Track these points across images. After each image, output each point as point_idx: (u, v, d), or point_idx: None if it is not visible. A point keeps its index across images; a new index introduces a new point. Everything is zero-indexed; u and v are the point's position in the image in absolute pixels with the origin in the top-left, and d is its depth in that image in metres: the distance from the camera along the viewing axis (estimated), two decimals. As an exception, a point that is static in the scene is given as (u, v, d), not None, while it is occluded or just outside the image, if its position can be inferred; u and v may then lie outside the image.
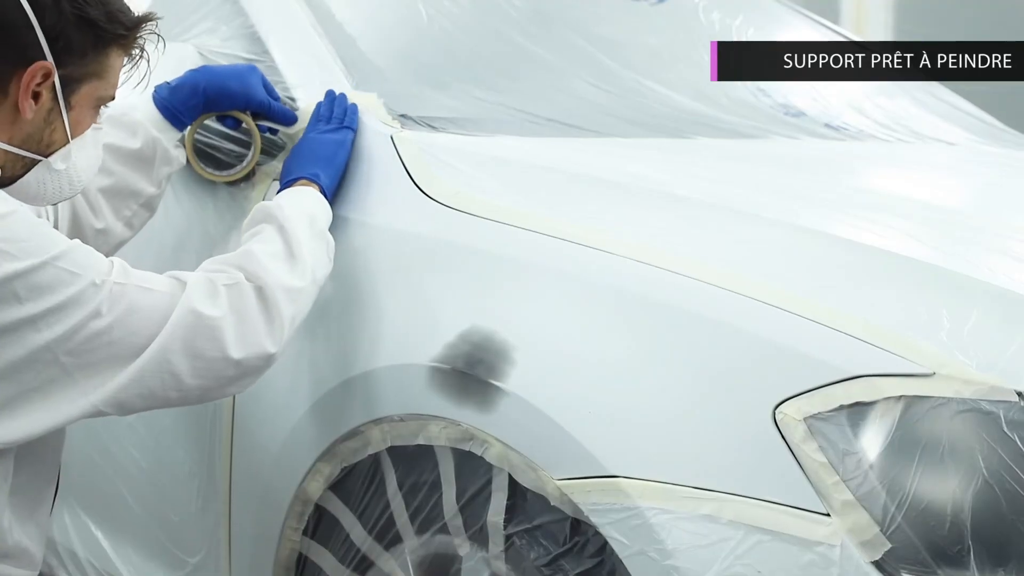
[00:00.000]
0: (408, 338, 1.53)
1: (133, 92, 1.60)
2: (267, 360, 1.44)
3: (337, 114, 1.76)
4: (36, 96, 1.40)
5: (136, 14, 1.48)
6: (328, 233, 1.61)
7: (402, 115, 1.80)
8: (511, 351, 1.42)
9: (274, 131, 1.82)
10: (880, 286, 1.36)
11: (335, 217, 1.69)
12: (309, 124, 1.76)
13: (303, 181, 1.67)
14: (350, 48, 1.96)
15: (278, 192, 1.67)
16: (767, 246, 1.46)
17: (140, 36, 1.48)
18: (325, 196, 1.66)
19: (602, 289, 1.42)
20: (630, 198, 1.61)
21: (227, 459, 1.79)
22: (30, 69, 1.38)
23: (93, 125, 1.49)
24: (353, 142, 1.74)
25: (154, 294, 1.38)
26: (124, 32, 1.45)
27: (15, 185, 1.44)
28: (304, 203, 1.61)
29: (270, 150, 1.83)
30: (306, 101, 1.83)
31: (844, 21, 5.67)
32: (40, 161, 1.44)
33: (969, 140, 2.52)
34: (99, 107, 1.49)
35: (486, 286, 1.51)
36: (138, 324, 1.36)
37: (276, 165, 1.80)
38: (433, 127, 1.80)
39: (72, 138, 1.45)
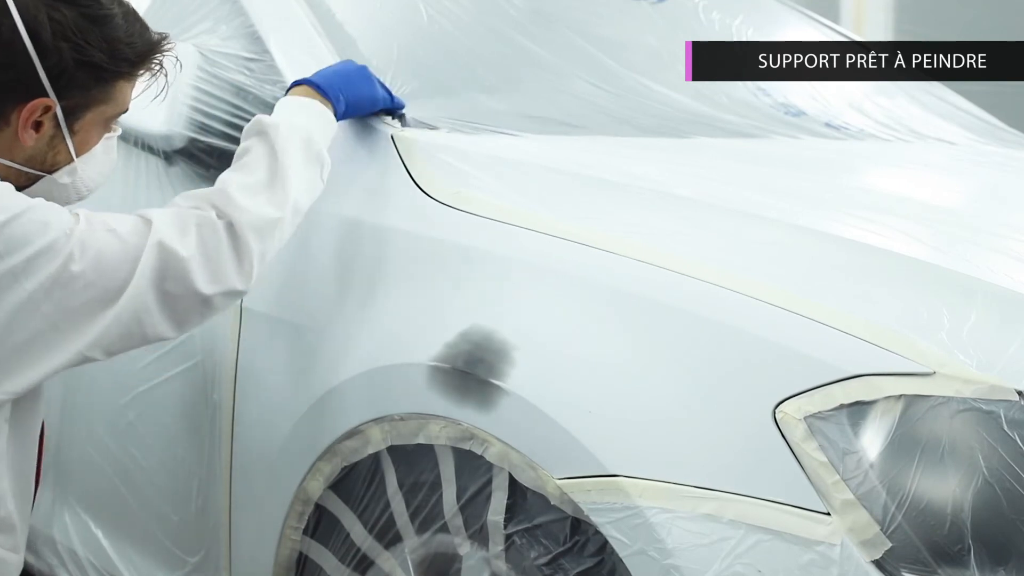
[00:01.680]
0: (408, 338, 1.53)
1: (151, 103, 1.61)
2: (236, 296, 1.48)
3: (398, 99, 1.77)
4: (38, 125, 1.43)
5: (151, 37, 1.49)
6: (325, 153, 1.60)
7: (402, 115, 1.80)
8: (511, 350, 1.42)
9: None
10: (880, 286, 1.36)
11: (334, 216, 1.69)
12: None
13: (313, 92, 1.64)
14: (350, 48, 1.96)
15: (288, 88, 1.67)
16: (767, 246, 1.46)
17: (152, 62, 1.49)
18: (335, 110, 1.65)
19: (602, 289, 1.42)
20: (630, 198, 1.61)
21: (227, 459, 1.79)
22: (30, 104, 1.40)
23: (105, 136, 1.51)
24: (392, 108, 1.75)
25: (121, 236, 1.40)
26: (128, 69, 1.46)
27: (26, 190, 1.46)
28: (304, 120, 1.60)
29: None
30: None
31: (844, 21, 5.67)
32: (44, 176, 1.47)
33: (969, 140, 2.52)
34: (109, 124, 1.51)
35: (486, 286, 1.51)
36: (110, 267, 1.38)
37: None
38: (433, 127, 1.80)
39: (77, 157, 1.48)
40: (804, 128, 2.25)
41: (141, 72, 1.49)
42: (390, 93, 1.77)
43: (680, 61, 2.33)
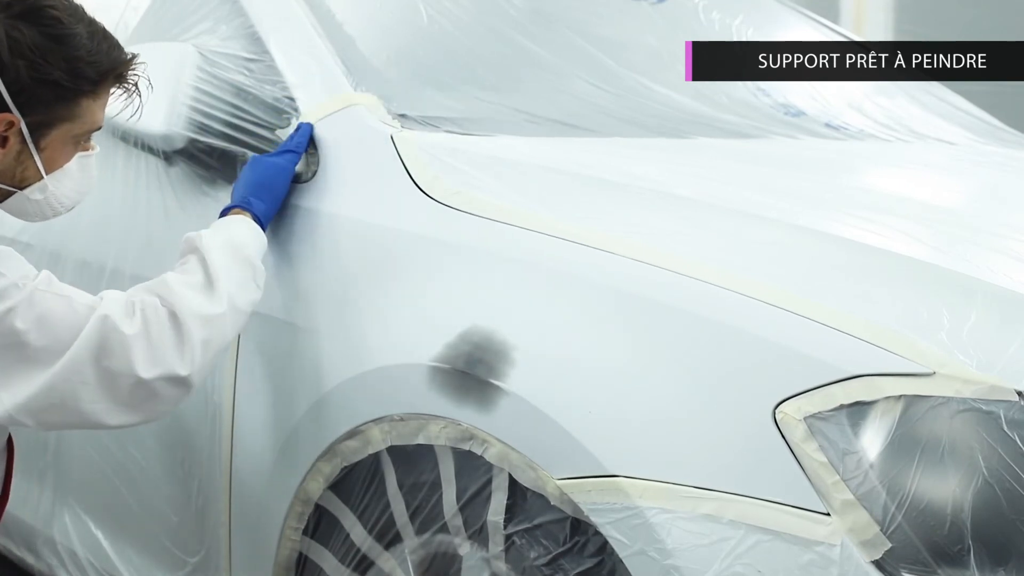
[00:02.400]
0: (408, 338, 1.53)
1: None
2: (178, 383, 1.46)
3: (289, 141, 1.77)
4: (3, 140, 1.43)
5: (117, 55, 1.48)
6: (257, 260, 1.61)
7: (402, 115, 1.80)
8: (511, 351, 1.42)
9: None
10: (880, 286, 1.36)
11: (334, 217, 1.69)
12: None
13: (236, 210, 1.68)
14: (350, 48, 1.96)
15: (218, 217, 1.69)
16: (767, 246, 1.46)
17: (117, 79, 1.49)
18: (260, 222, 1.67)
19: (602, 289, 1.42)
20: (630, 198, 1.61)
21: (227, 459, 1.79)
22: None
23: (79, 153, 1.52)
24: (297, 162, 1.75)
25: (73, 304, 1.41)
26: (90, 87, 1.46)
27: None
28: (230, 232, 1.62)
29: (269, 150, 1.82)
30: (306, 102, 1.83)
31: (844, 21, 5.67)
32: (16, 192, 1.48)
33: (969, 140, 2.52)
34: (79, 142, 1.51)
35: (486, 286, 1.51)
36: (53, 331, 1.38)
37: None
38: (433, 127, 1.80)
39: (46, 174, 1.48)
40: (804, 128, 2.25)
41: (109, 90, 1.49)
42: (291, 144, 1.77)
43: (680, 61, 2.33)
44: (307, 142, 1.77)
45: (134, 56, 1.51)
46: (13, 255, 1.40)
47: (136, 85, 1.53)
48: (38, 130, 1.45)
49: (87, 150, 1.54)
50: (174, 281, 1.50)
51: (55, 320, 1.39)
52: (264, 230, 1.68)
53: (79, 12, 1.47)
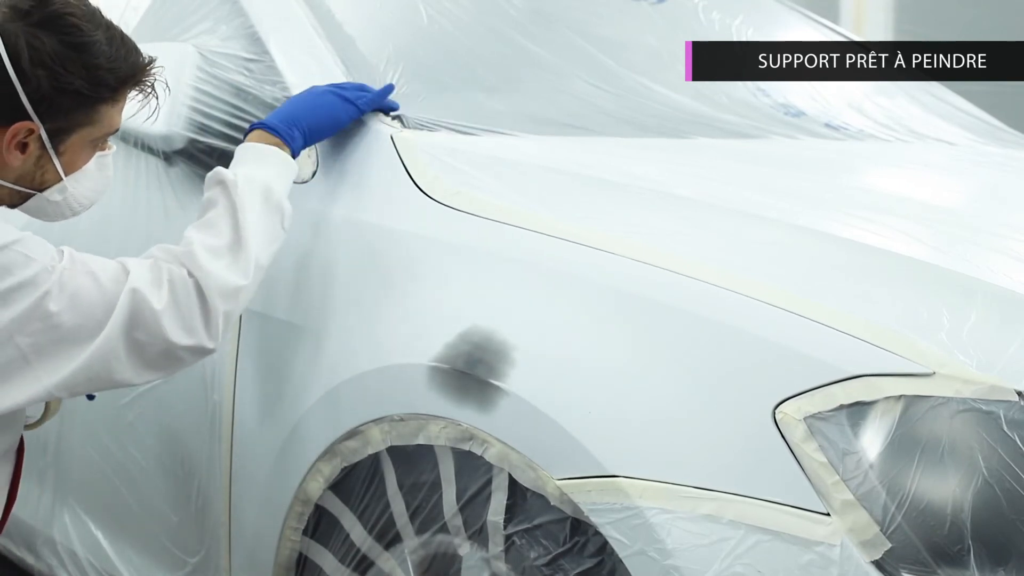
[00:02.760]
0: (408, 338, 1.53)
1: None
2: (202, 353, 1.50)
3: (361, 96, 1.76)
4: (23, 147, 1.44)
5: (136, 60, 1.49)
6: (286, 201, 1.61)
7: (401, 115, 1.80)
8: (511, 351, 1.42)
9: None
10: (880, 286, 1.36)
11: (334, 217, 1.69)
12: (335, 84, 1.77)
13: (268, 135, 1.65)
14: (350, 48, 1.96)
15: (246, 133, 1.68)
16: (767, 246, 1.46)
17: (137, 85, 1.50)
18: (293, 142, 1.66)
19: (602, 289, 1.42)
20: (630, 198, 1.61)
21: (227, 460, 1.79)
22: (13, 127, 1.42)
23: (98, 154, 1.52)
24: (357, 117, 1.75)
25: (100, 280, 1.42)
26: (110, 94, 1.47)
27: (19, 206, 1.50)
28: (262, 172, 1.61)
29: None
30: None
31: (844, 21, 5.67)
32: (35, 194, 1.49)
33: (969, 140, 2.52)
34: (97, 144, 1.52)
35: (486, 286, 1.51)
36: (86, 309, 1.40)
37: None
38: (433, 127, 1.80)
39: (65, 176, 1.49)
40: (804, 128, 2.25)
41: (127, 94, 1.50)
42: (362, 100, 1.76)
43: (680, 61, 2.33)
44: (380, 103, 1.77)
45: (152, 60, 1.52)
46: (34, 238, 1.41)
47: (153, 87, 1.54)
48: (57, 136, 1.46)
49: (104, 150, 1.54)
50: (200, 250, 1.50)
51: (86, 299, 1.40)
52: (303, 148, 1.68)
53: (97, 17, 1.48)
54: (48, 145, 1.45)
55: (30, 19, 1.41)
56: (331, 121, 1.73)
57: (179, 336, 1.45)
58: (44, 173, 1.48)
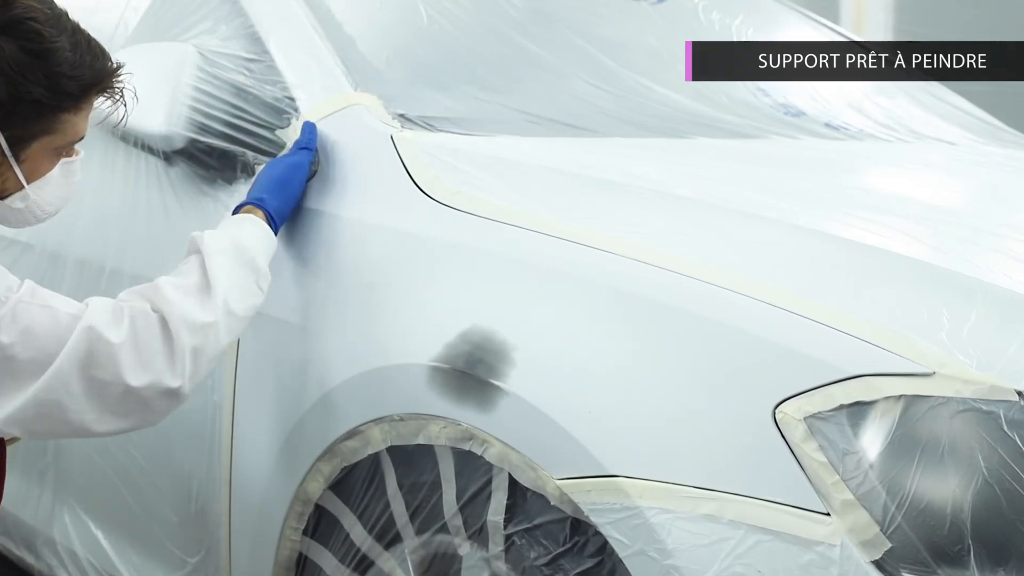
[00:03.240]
0: (408, 338, 1.53)
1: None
2: (169, 393, 1.44)
3: (300, 139, 1.75)
4: None
5: (102, 66, 1.45)
6: (262, 262, 1.59)
7: (401, 115, 1.80)
8: (511, 351, 1.42)
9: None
10: (880, 286, 1.36)
11: (334, 217, 1.69)
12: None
13: (248, 208, 1.66)
14: (350, 48, 1.96)
15: (231, 214, 1.67)
16: (767, 246, 1.46)
17: (102, 92, 1.46)
18: (273, 221, 1.65)
19: (602, 289, 1.42)
20: (630, 198, 1.61)
21: (227, 459, 1.79)
22: None
23: (63, 160, 1.48)
24: (312, 161, 1.74)
25: (57, 314, 1.39)
26: (72, 103, 1.43)
27: None
28: (236, 232, 1.60)
29: (269, 150, 1.83)
30: (306, 102, 1.83)
31: (844, 21, 5.67)
32: None
33: (969, 140, 2.52)
34: (62, 152, 1.48)
35: (486, 286, 1.51)
36: (38, 342, 1.37)
37: (276, 165, 1.80)
38: (433, 127, 1.80)
39: (28, 183, 1.45)
40: (804, 128, 2.25)
41: (92, 102, 1.46)
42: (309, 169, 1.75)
43: (680, 61, 2.33)
44: (316, 139, 1.76)
45: (119, 66, 1.47)
46: None
47: (122, 93, 1.49)
48: (18, 144, 1.41)
49: (71, 156, 1.50)
50: (166, 285, 1.48)
51: (39, 332, 1.37)
52: (278, 229, 1.67)
53: (62, 22, 1.42)
54: (8, 153, 1.41)
55: None
56: (290, 169, 1.72)
57: (137, 373, 1.40)
58: (5, 181, 1.44)
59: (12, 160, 1.42)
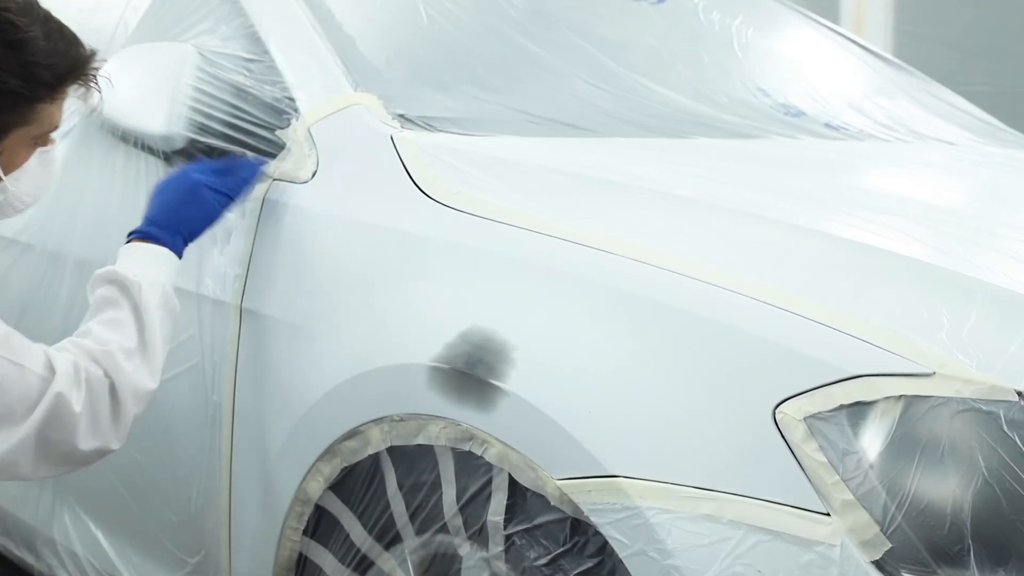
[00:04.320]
0: (408, 338, 1.53)
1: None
2: (103, 453, 1.50)
3: (231, 182, 1.72)
4: None
5: (77, 54, 1.43)
6: (175, 301, 1.61)
7: (401, 115, 1.80)
8: (511, 351, 1.42)
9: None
10: (880, 286, 1.36)
11: (334, 217, 1.69)
12: (201, 164, 1.74)
13: (145, 241, 1.63)
14: (350, 48, 1.96)
15: (130, 238, 1.65)
16: (767, 246, 1.46)
17: (78, 80, 1.45)
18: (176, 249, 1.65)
19: (602, 289, 1.42)
20: (630, 198, 1.61)
21: (227, 459, 1.79)
22: None
23: (39, 150, 1.48)
24: (216, 214, 1.72)
25: (27, 374, 1.39)
26: (47, 92, 1.41)
27: None
28: (156, 273, 1.59)
29: (269, 150, 1.83)
30: (305, 102, 1.83)
31: (844, 21, 5.67)
32: None
33: (969, 140, 2.52)
34: (38, 143, 1.47)
35: (486, 286, 1.51)
36: (6, 400, 1.38)
37: (277, 164, 1.80)
38: (433, 127, 1.80)
39: (5, 175, 1.44)
40: (804, 128, 2.25)
41: (67, 90, 1.45)
42: (234, 188, 1.74)
43: (680, 61, 2.34)
44: (247, 189, 1.73)
45: (93, 53, 1.46)
46: None
47: (96, 81, 1.48)
48: None
49: (46, 145, 1.49)
50: (117, 350, 1.48)
51: (8, 390, 1.38)
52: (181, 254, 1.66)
53: (34, 10, 1.41)
54: None
55: None
56: (207, 219, 1.71)
57: (87, 439, 1.44)
58: None
59: None
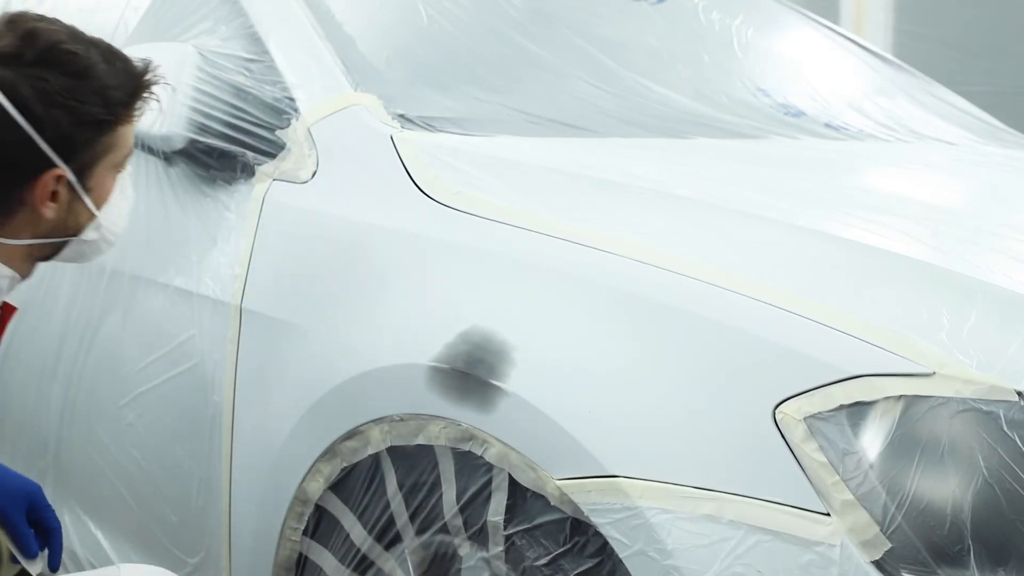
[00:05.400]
0: (408, 338, 1.53)
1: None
2: None
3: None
4: (54, 195, 1.39)
5: (135, 69, 1.43)
6: None
7: (401, 115, 1.80)
8: (511, 351, 1.42)
9: None
10: (880, 286, 1.36)
11: (334, 217, 1.69)
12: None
13: None
14: (350, 48, 1.96)
15: None
16: (767, 246, 1.46)
17: (150, 85, 1.45)
18: None
19: (602, 289, 1.42)
20: (630, 198, 1.61)
21: (227, 459, 1.79)
22: (41, 180, 1.36)
23: (119, 176, 1.47)
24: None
25: None
26: (124, 112, 1.42)
27: (56, 257, 1.45)
28: None
29: (269, 150, 1.83)
30: (305, 102, 1.83)
31: (844, 21, 5.67)
32: (71, 240, 1.44)
33: (969, 140, 2.52)
34: (119, 168, 1.47)
35: (486, 286, 1.51)
36: None
37: (277, 164, 1.80)
38: (433, 127, 1.80)
39: (98, 211, 1.44)
40: (804, 128, 2.25)
41: (137, 107, 1.45)
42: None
43: (680, 61, 2.34)
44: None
45: (148, 63, 1.46)
46: None
47: (153, 92, 1.48)
48: (84, 172, 1.40)
49: (124, 170, 1.49)
50: None
51: None
52: None
53: (82, 36, 1.41)
54: (77, 186, 1.39)
55: (23, 60, 1.34)
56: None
57: None
58: (78, 216, 1.43)
59: (82, 192, 1.41)
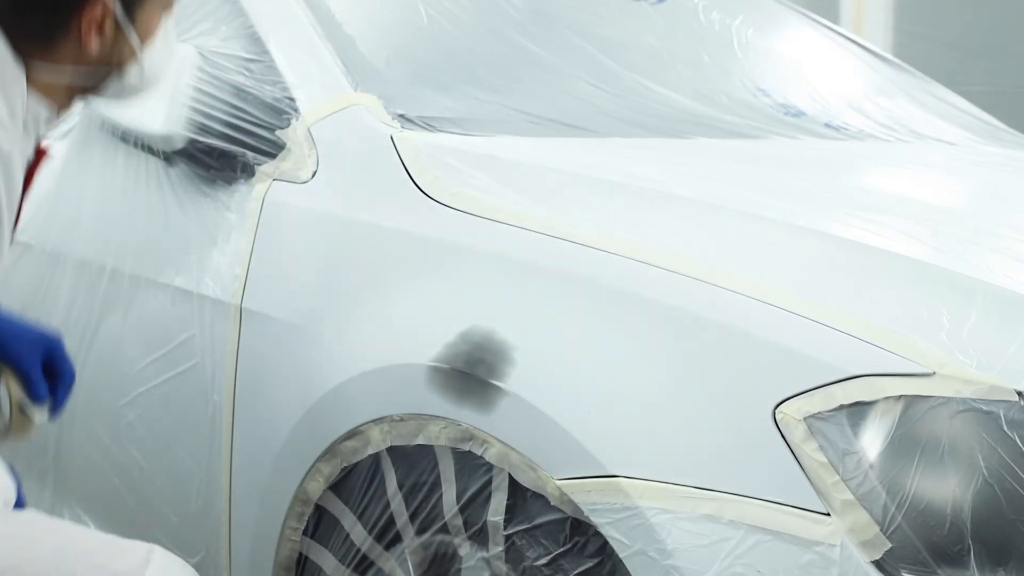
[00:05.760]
0: (408, 338, 1.53)
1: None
2: None
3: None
4: (100, 28, 1.35)
5: None
6: None
7: (401, 115, 1.80)
8: (511, 351, 1.42)
9: None
10: (880, 286, 1.36)
11: (334, 217, 1.69)
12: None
13: None
14: (350, 48, 1.96)
15: None
16: (767, 246, 1.46)
17: None
18: None
19: (602, 289, 1.42)
20: (630, 198, 1.61)
21: (227, 459, 1.79)
22: (88, 9, 1.33)
23: (164, 17, 1.44)
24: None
25: None
26: None
27: (94, 92, 1.43)
28: None
29: (269, 150, 1.83)
30: (305, 102, 1.83)
31: (844, 21, 5.67)
32: (111, 77, 1.41)
33: (969, 140, 2.52)
34: (170, 6, 1.44)
35: (486, 286, 1.51)
36: None
37: (277, 164, 1.80)
38: (433, 127, 1.80)
39: (142, 46, 1.40)
40: (804, 128, 2.25)
41: None
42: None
43: (680, 61, 2.34)
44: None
45: None
46: None
47: None
48: (132, 5, 1.36)
49: (172, 8, 1.45)
50: None
51: None
52: None
53: None
54: (123, 19, 1.35)
55: None
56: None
57: None
58: (121, 51, 1.39)
59: (128, 27, 1.38)
